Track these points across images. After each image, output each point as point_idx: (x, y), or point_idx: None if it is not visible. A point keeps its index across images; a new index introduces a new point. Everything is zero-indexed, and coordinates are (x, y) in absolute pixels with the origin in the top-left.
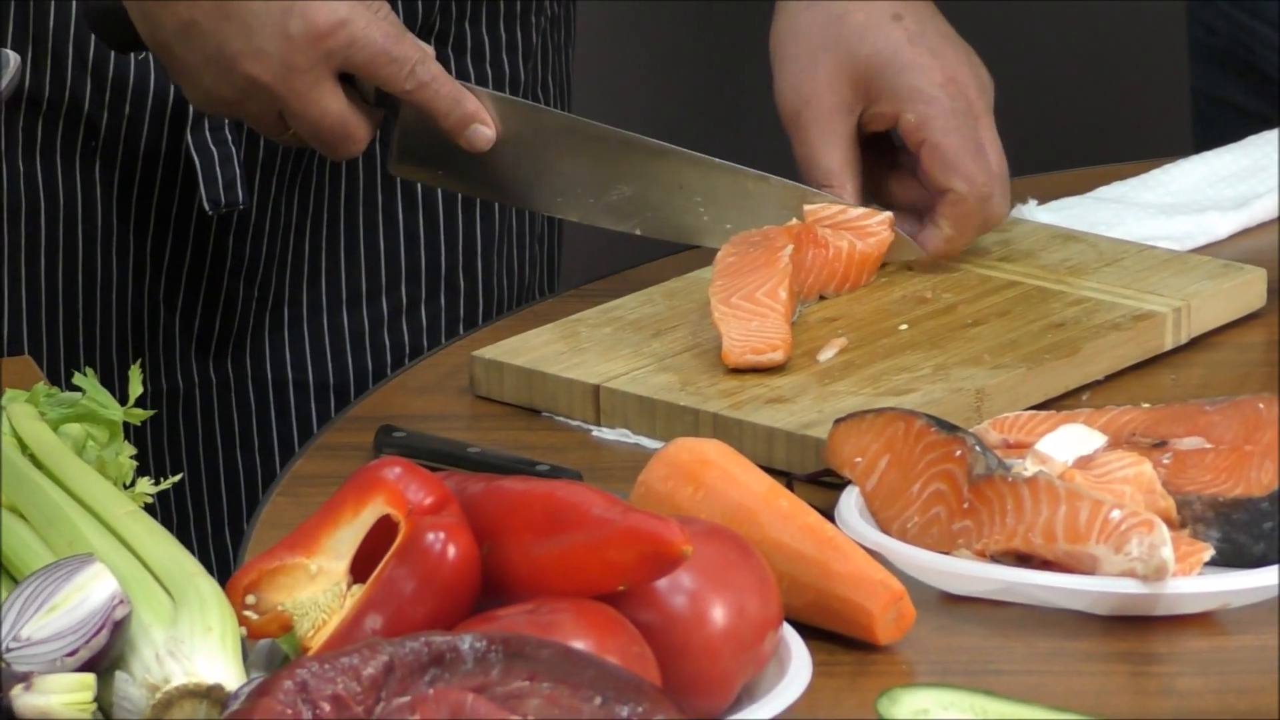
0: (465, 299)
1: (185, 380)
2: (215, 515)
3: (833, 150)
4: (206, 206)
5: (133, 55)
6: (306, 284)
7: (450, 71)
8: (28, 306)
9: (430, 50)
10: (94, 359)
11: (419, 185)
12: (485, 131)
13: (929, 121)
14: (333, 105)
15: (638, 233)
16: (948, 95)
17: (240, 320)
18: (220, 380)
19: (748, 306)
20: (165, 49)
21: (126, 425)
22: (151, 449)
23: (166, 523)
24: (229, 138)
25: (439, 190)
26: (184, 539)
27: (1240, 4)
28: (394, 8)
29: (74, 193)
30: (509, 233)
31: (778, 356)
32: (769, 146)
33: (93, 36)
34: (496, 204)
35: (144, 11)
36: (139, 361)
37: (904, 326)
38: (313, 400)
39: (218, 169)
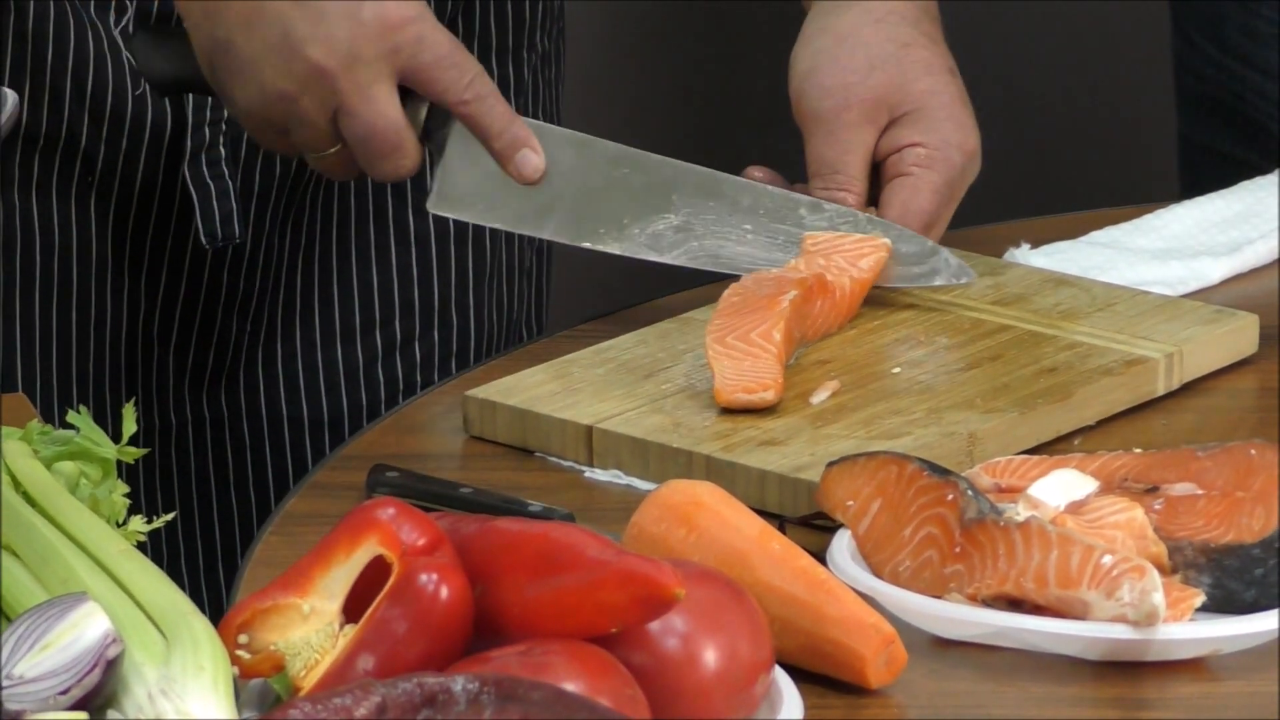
0: (457, 334)
1: (178, 416)
2: (208, 553)
3: (859, 157)
4: (203, 240)
5: (129, 90)
6: (300, 319)
7: None
8: (22, 342)
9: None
10: (87, 395)
11: (410, 220)
12: (534, 159)
13: (930, 173)
14: (390, 108)
15: (681, 263)
16: (962, 162)
17: (234, 355)
18: (214, 416)
19: (742, 347)
20: (223, 46)
21: (119, 463)
22: (144, 486)
23: (159, 561)
24: (225, 172)
25: (430, 226)
26: (176, 577)
27: (1230, 51)
28: None
29: (69, 227)
30: (499, 268)
31: (769, 396)
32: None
33: (91, 71)
34: (486, 239)
35: (205, 9)
36: (133, 400)
37: (896, 370)
38: (307, 436)
39: (214, 203)
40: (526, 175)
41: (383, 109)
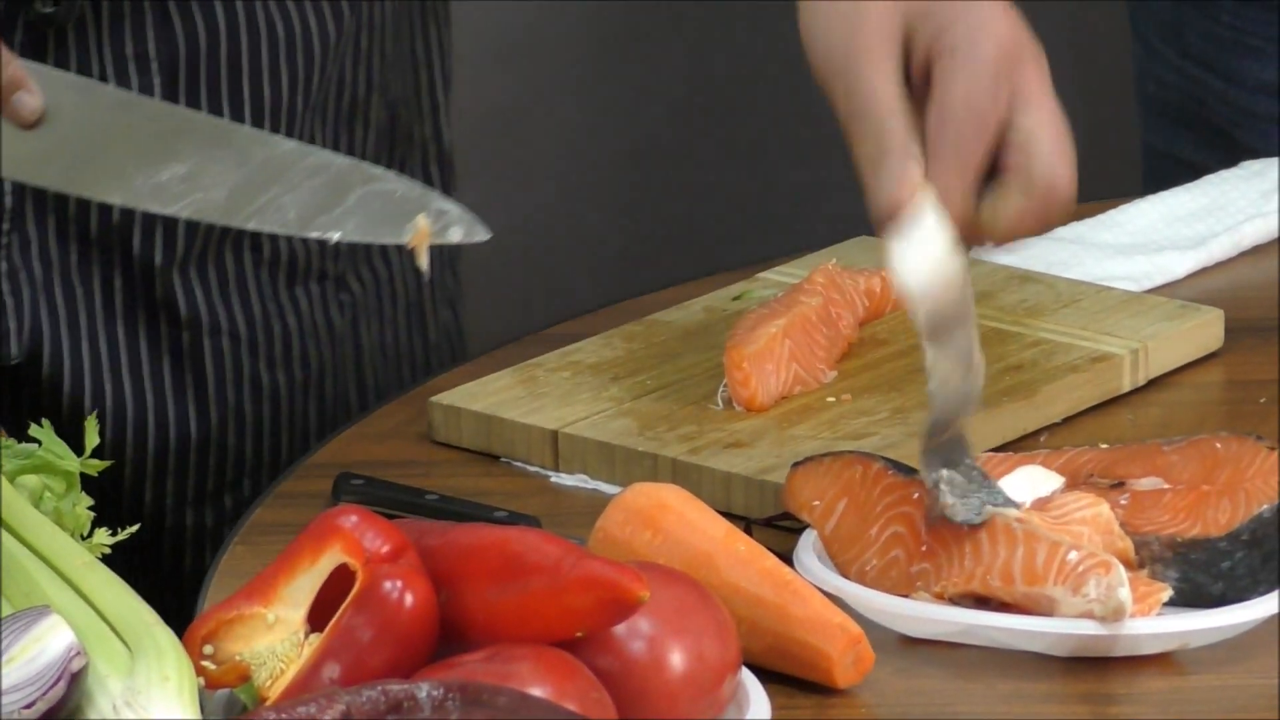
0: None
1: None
2: (173, 565)
3: (889, 82)
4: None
5: None
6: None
7: None
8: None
9: None
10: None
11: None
12: (31, 100)
13: (956, 62)
14: None
15: (184, 216)
16: (994, 52)
17: None
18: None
19: (784, 359)
20: None
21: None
22: (109, 499)
23: (121, 571)
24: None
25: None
26: (140, 589)
27: (1191, 57)
28: None
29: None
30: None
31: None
32: (755, 174)
33: None
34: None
35: None
36: (95, 412)
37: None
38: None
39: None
40: (24, 117)
41: None
